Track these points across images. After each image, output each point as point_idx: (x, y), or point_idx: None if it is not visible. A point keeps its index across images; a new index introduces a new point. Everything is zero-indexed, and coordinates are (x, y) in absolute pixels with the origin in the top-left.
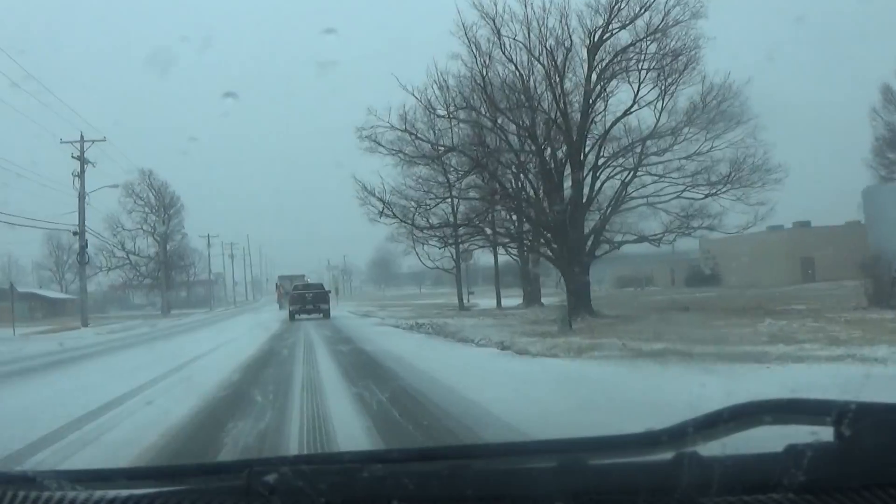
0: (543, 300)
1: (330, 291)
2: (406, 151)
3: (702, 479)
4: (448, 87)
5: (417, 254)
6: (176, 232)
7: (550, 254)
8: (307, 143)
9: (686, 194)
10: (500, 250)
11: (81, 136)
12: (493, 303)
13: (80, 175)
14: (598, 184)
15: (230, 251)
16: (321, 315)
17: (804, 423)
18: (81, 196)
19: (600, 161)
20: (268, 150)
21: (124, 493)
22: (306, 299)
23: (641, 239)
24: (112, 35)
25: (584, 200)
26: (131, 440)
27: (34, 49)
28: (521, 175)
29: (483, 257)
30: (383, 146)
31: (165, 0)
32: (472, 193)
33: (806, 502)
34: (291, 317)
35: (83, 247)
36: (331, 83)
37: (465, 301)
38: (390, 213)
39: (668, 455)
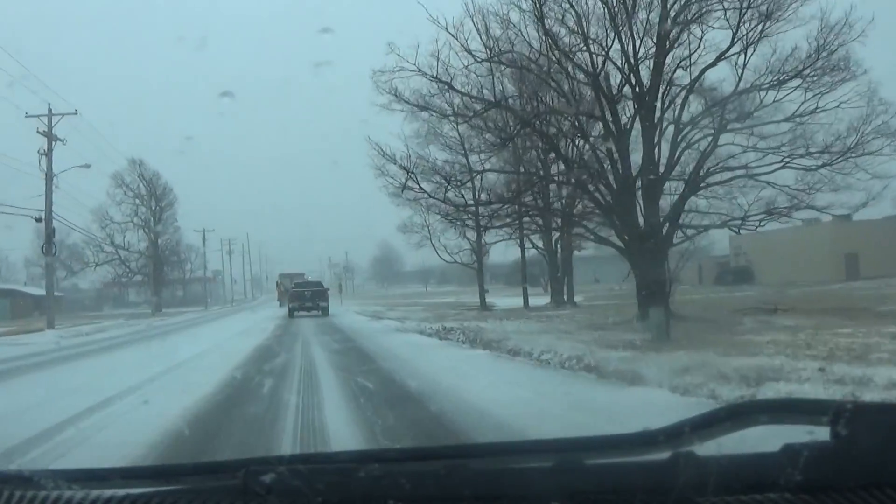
0: (567, 298)
1: (328, 289)
2: (434, 108)
3: (698, 479)
4: (486, 17)
5: (434, 246)
6: (168, 225)
7: (618, 241)
8: (306, 141)
9: (774, 167)
10: (517, 243)
11: (49, 110)
12: (514, 302)
13: (48, 153)
14: (677, 152)
15: (228, 247)
16: (320, 312)
17: (801, 423)
18: (49, 177)
19: (679, 123)
20: (267, 149)
21: (121, 492)
22: (305, 297)
23: (723, 224)
24: (109, 35)
25: (661, 172)
26: None
27: (30, 47)
28: (581, 139)
29: (493, 253)
30: (406, 100)
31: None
32: (507, 165)
33: (802, 502)
34: (291, 314)
35: (49, 235)
36: (328, 81)
37: (489, 299)
38: (415, 184)
39: (664, 455)
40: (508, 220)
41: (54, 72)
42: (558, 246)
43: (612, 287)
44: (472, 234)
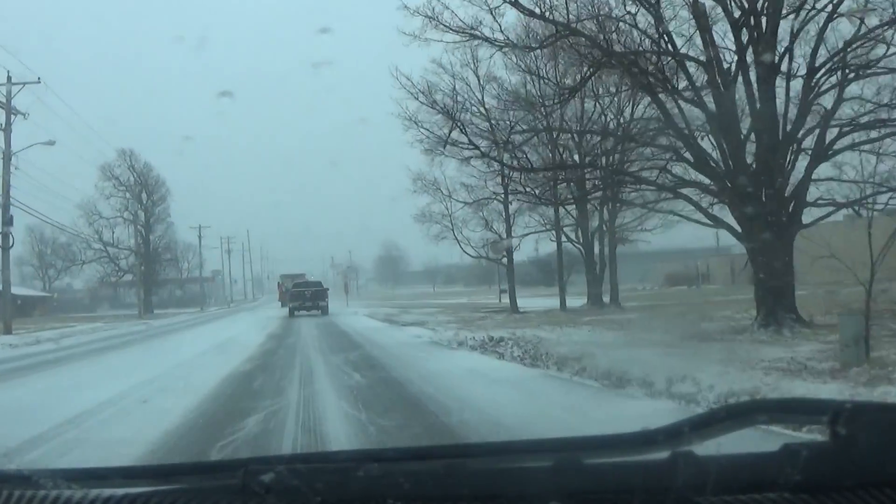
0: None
1: (328, 289)
2: (483, 36)
3: (697, 479)
4: None
5: (457, 239)
6: (161, 220)
7: (736, 224)
8: (307, 140)
9: None
10: (539, 235)
11: (9, 78)
12: (540, 303)
13: (6, 128)
14: (808, 99)
15: (227, 245)
16: (319, 312)
17: (800, 423)
18: (7, 156)
19: (814, 62)
20: (267, 149)
21: (120, 491)
22: (305, 296)
23: (850, 202)
24: (107, 34)
25: (789, 131)
26: None
27: (28, 48)
28: (674, 89)
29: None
30: (445, 24)
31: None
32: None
33: (801, 501)
34: (291, 313)
35: (5, 223)
36: (328, 80)
37: (506, 301)
38: (464, 139)
39: (663, 454)
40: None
41: (53, 70)
42: (594, 239)
43: (633, 287)
44: (499, 225)
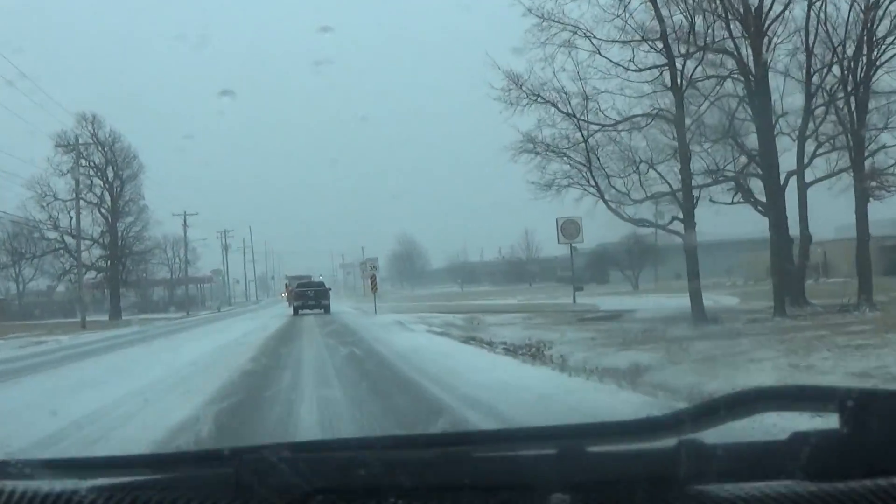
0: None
1: (330, 289)
2: None
3: (703, 467)
4: None
5: (599, 189)
6: (132, 203)
7: None
8: (308, 141)
9: None
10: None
11: None
12: (642, 303)
13: None
14: None
15: (225, 240)
16: (322, 310)
17: (808, 410)
18: None
19: None
20: (273, 147)
21: (108, 481)
22: (309, 296)
23: None
24: (108, 32)
25: None
26: None
27: (29, 47)
28: None
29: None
30: None
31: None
32: None
33: (809, 490)
34: (295, 312)
35: None
36: (329, 79)
37: (581, 300)
38: None
39: (668, 442)
40: None
41: (53, 69)
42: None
43: (720, 281)
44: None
